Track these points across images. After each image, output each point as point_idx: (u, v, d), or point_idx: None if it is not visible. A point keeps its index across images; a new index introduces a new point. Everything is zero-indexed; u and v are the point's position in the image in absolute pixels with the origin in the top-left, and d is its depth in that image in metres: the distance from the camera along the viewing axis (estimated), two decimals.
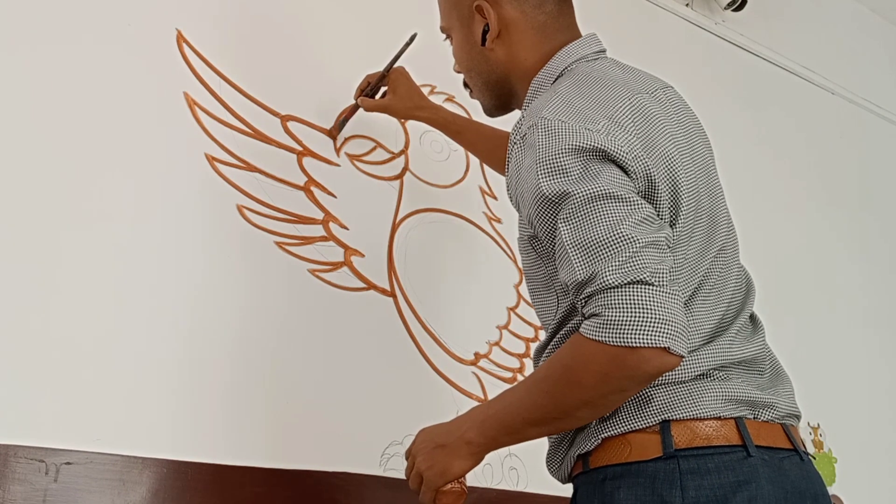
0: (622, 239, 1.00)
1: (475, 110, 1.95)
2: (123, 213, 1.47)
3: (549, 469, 1.21)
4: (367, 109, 1.72)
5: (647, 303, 0.96)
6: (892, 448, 2.60)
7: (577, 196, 1.04)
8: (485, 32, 1.28)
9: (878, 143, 3.13)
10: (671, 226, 1.10)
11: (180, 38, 1.62)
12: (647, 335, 0.96)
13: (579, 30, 1.30)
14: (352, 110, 1.75)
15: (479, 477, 1.68)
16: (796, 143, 2.81)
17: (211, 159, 1.59)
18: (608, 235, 1.00)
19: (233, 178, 1.60)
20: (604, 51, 1.28)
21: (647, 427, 1.06)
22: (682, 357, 0.98)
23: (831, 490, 2.34)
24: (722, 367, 1.10)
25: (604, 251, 1.00)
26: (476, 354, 1.80)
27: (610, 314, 0.97)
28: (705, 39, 2.67)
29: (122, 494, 1.33)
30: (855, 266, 2.81)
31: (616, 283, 0.98)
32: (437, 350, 1.75)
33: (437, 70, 1.95)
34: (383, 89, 1.72)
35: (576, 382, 1.02)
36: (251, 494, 1.44)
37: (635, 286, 0.97)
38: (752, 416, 1.08)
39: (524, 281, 1.24)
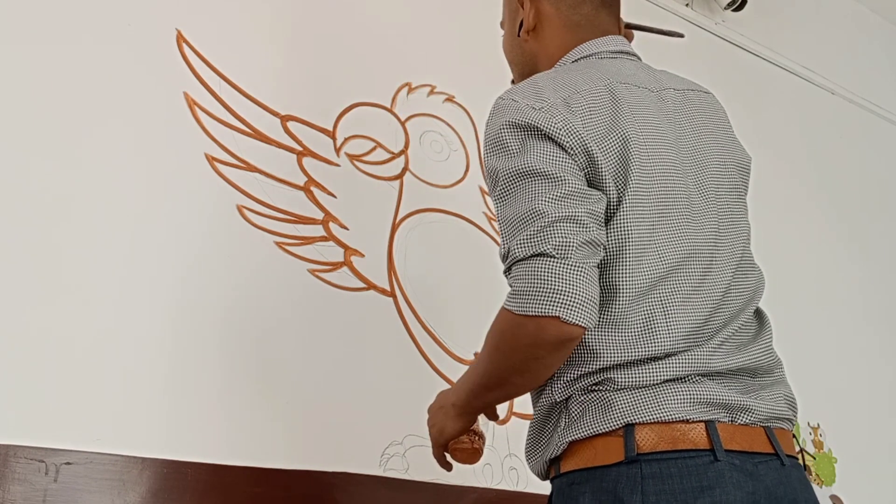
0: (534, 214, 1.05)
1: (473, 110, 1.96)
2: (123, 213, 1.47)
3: (527, 463, 1.22)
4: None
5: (544, 274, 1.01)
6: (892, 448, 2.60)
7: (506, 172, 1.10)
8: (522, 24, 1.32)
9: (878, 143, 3.13)
10: (619, 201, 1.10)
11: (180, 38, 1.62)
12: (541, 304, 1.01)
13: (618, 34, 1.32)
14: (673, 34, 1.64)
15: (479, 477, 1.69)
16: (796, 143, 2.80)
17: (211, 159, 1.59)
18: (524, 211, 1.06)
19: (233, 178, 1.60)
20: (627, 52, 1.28)
21: (611, 431, 1.05)
22: (582, 327, 1.01)
23: (831, 490, 2.34)
24: (699, 374, 1.07)
25: (518, 226, 1.06)
26: (476, 354, 1.80)
27: (516, 285, 1.04)
28: (705, 39, 2.67)
29: (121, 494, 1.33)
30: (854, 266, 2.81)
31: (522, 255, 1.04)
32: (437, 350, 1.75)
33: (437, 70, 1.95)
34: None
35: (499, 350, 1.09)
36: (250, 494, 1.44)
37: (537, 259, 1.03)
38: (727, 420, 1.06)
39: None
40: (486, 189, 1.94)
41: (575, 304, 1.00)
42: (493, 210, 1.19)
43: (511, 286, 1.05)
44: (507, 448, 1.74)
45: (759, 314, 1.19)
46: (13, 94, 1.43)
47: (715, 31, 2.69)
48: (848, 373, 2.59)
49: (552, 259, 1.02)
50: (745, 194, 1.27)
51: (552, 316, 1.00)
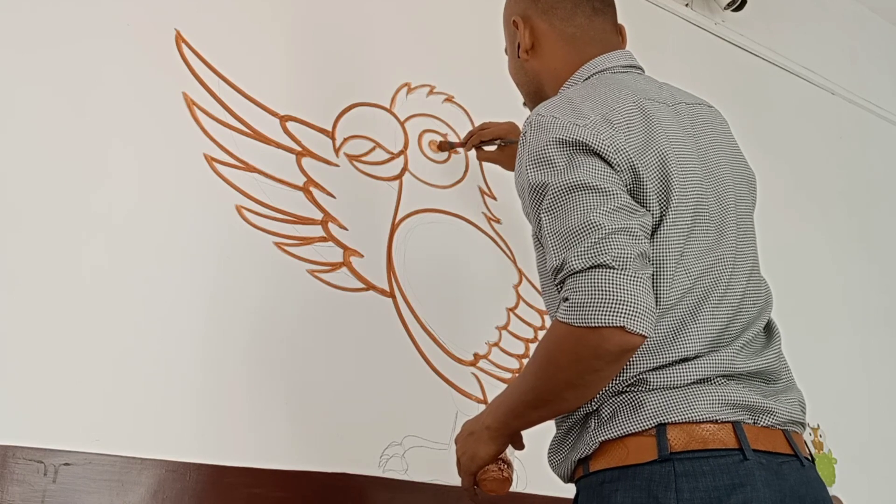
0: (590, 226, 1.05)
1: (473, 110, 1.96)
2: (122, 213, 1.47)
3: (549, 464, 1.23)
4: (479, 159, 1.88)
5: (606, 285, 1.01)
6: (892, 449, 2.60)
7: (556, 186, 1.10)
8: (520, 46, 1.34)
9: (878, 143, 3.13)
10: (661, 218, 1.13)
11: (179, 38, 1.62)
12: (605, 315, 1.01)
13: (619, 44, 1.34)
14: (459, 147, 1.89)
15: None
16: (796, 143, 2.80)
17: (210, 160, 1.59)
18: (579, 223, 1.06)
19: (232, 179, 1.60)
20: (636, 67, 1.31)
21: (643, 430, 1.08)
22: (644, 336, 1.02)
23: (831, 491, 2.34)
24: (722, 375, 1.11)
25: (573, 238, 1.06)
26: (475, 355, 1.80)
27: (574, 297, 1.03)
28: (705, 39, 2.67)
29: (120, 495, 1.33)
30: (854, 267, 2.81)
31: (580, 267, 1.03)
32: (437, 351, 1.74)
33: (437, 70, 1.95)
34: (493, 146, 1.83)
35: (554, 364, 1.08)
36: (249, 495, 1.44)
37: (597, 270, 1.03)
38: (751, 421, 1.10)
39: (538, 276, 1.28)
40: (485, 189, 1.94)
41: (638, 314, 1.01)
42: (534, 223, 1.18)
43: (567, 298, 1.04)
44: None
45: (767, 324, 1.23)
46: (12, 94, 1.42)
47: (715, 31, 2.69)
48: (848, 374, 2.59)
49: (612, 270, 1.02)
50: (754, 209, 1.30)
51: (617, 326, 1.00)
